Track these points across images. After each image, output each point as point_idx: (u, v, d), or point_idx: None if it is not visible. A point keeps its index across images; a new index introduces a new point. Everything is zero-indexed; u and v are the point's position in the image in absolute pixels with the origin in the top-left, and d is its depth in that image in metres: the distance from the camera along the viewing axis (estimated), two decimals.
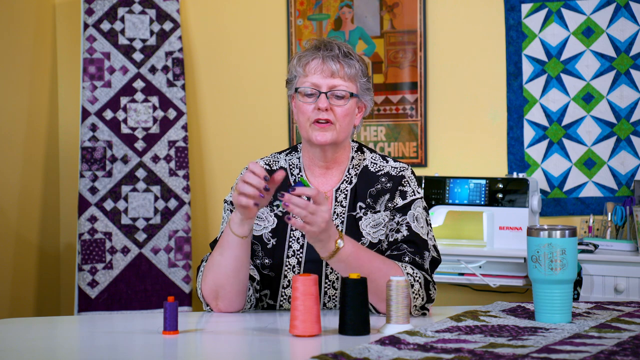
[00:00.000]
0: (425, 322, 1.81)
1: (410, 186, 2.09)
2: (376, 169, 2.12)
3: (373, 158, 2.15)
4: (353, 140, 2.18)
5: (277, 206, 1.90)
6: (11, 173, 3.89)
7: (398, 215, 2.06)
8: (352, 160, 2.14)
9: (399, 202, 2.07)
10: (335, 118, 2.04)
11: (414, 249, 2.01)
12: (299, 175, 2.13)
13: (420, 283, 1.95)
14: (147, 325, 1.92)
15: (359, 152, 2.16)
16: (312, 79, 2.05)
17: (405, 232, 2.03)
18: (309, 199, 1.79)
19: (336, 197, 2.09)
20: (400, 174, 2.11)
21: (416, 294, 1.94)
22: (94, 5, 3.98)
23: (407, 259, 2.00)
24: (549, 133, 3.67)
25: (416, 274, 1.96)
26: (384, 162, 2.14)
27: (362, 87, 2.10)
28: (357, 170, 2.13)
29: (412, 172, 2.14)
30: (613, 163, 3.60)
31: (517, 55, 3.71)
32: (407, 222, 2.04)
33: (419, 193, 2.10)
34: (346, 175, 2.12)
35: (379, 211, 2.07)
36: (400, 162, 2.14)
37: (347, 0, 3.97)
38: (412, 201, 2.07)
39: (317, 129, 2.04)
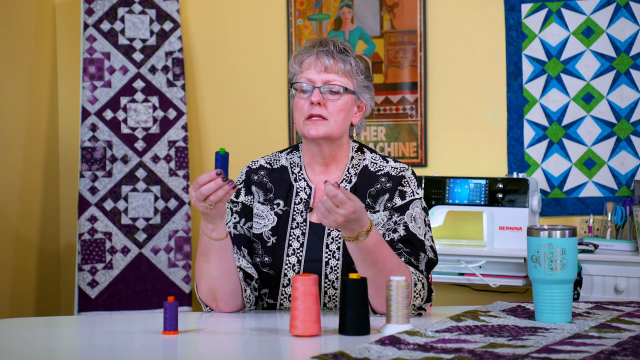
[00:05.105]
0: (425, 322, 1.81)
1: (409, 186, 2.09)
2: (376, 169, 2.12)
3: (373, 158, 2.15)
4: (354, 141, 2.18)
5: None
6: (11, 173, 3.89)
7: (396, 215, 2.05)
8: (351, 160, 2.14)
9: (398, 202, 2.06)
10: (328, 113, 2.04)
11: (410, 250, 2.01)
12: (300, 174, 2.13)
13: (422, 283, 1.96)
14: (147, 325, 1.92)
15: (359, 152, 2.16)
16: (307, 75, 2.06)
17: (402, 232, 2.02)
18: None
19: None
20: (400, 174, 2.10)
21: (417, 294, 1.94)
22: (94, 5, 3.98)
23: (402, 259, 1.99)
24: (549, 133, 3.67)
25: (418, 274, 1.96)
26: (384, 162, 2.13)
27: (360, 84, 2.09)
28: (357, 169, 2.12)
29: (413, 173, 2.13)
30: (613, 163, 3.60)
31: (517, 55, 3.71)
32: (405, 222, 2.03)
33: (418, 194, 2.09)
34: (346, 174, 2.12)
35: (378, 211, 2.07)
36: (400, 162, 2.14)
37: (347, 0, 3.97)
38: (411, 201, 2.06)
39: (309, 124, 2.04)
